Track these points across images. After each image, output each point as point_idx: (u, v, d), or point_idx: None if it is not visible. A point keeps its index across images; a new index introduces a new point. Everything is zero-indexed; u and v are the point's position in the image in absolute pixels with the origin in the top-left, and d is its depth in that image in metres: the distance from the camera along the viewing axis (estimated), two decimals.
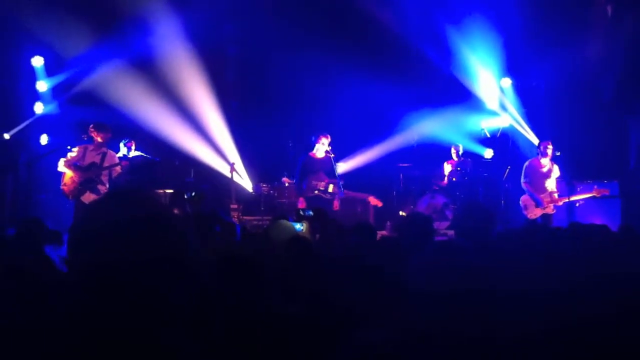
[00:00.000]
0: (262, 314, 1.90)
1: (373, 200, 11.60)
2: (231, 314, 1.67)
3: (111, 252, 1.54)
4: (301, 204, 10.30)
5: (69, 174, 9.62)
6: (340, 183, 10.55)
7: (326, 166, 10.60)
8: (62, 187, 9.66)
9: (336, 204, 10.38)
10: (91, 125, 9.80)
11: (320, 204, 9.36)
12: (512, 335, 2.13)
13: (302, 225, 5.08)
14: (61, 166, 9.67)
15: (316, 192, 10.45)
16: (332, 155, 10.61)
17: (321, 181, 10.50)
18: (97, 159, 9.70)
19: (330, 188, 10.42)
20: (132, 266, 1.53)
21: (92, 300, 1.53)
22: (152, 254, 1.56)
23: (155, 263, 1.55)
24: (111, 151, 9.96)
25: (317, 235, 5.05)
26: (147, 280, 1.54)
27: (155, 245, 1.56)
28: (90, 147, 9.77)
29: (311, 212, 5.55)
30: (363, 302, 2.26)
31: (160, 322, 1.52)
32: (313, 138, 10.76)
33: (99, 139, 9.72)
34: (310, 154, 10.66)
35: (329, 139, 10.65)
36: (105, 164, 9.71)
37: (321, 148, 10.60)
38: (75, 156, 9.69)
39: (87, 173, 9.55)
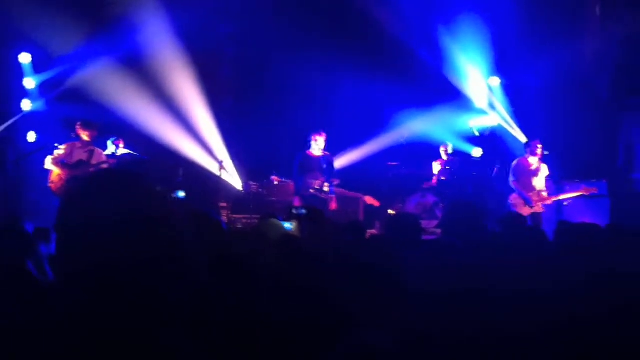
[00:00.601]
0: (256, 313, 1.88)
1: (369, 200, 11.56)
2: (226, 313, 1.65)
3: (105, 250, 1.51)
4: (297, 202, 10.28)
5: (56, 171, 9.58)
6: (334, 183, 10.53)
7: (322, 165, 10.60)
8: (49, 185, 9.62)
9: (333, 205, 10.34)
10: (78, 123, 9.77)
11: (315, 204, 9.36)
12: (504, 333, 2.13)
13: (292, 224, 5.06)
14: (48, 164, 9.63)
15: (312, 190, 10.44)
16: (324, 154, 10.61)
17: (316, 180, 10.49)
18: (84, 157, 9.67)
19: (326, 187, 10.41)
20: (127, 265, 1.50)
21: (83, 300, 1.51)
22: (149, 252, 1.54)
23: (153, 261, 1.53)
24: (98, 149, 9.93)
25: (307, 234, 5.03)
26: (144, 279, 1.52)
27: (151, 242, 1.54)
28: (78, 145, 9.74)
29: (304, 211, 5.53)
30: (355, 301, 2.25)
31: (158, 322, 1.50)
32: (310, 137, 10.78)
33: (86, 137, 9.70)
34: (307, 152, 10.67)
35: (324, 137, 10.64)
36: (93, 162, 9.67)
37: (316, 146, 10.60)
38: (63, 154, 9.65)
39: (75, 171, 9.51)
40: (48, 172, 9.70)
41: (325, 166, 10.45)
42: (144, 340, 1.46)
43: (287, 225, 5.02)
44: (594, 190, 10.28)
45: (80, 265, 1.54)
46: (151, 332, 1.48)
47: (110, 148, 10.59)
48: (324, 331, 1.97)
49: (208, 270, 2.17)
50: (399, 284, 2.23)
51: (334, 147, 11.81)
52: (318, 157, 10.49)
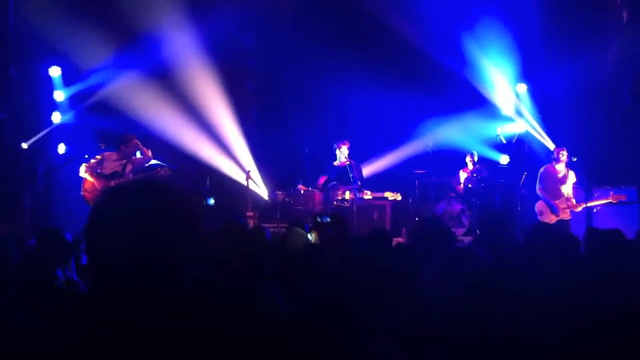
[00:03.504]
0: (267, 315, 1.91)
1: (391, 195, 11.33)
2: (237, 315, 1.68)
3: (131, 254, 1.55)
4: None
5: (90, 180, 9.71)
6: (358, 188, 10.59)
7: (343, 174, 10.66)
8: (82, 193, 9.74)
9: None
10: (120, 137, 9.97)
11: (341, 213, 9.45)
12: (525, 338, 2.13)
13: (312, 235, 5.07)
14: (82, 172, 9.76)
15: (335, 202, 10.53)
16: (348, 162, 10.67)
17: (337, 190, 10.58)
18: (119, 169, 9.81)
19: (347, 195, 10.46)
20: (153, 268, 1.55)
21: (105, 304, 1.55)
22: (174, 255, 1.58)
23: (169, 264, 1.57)
24: (135, 161, 10.07)
25: (329, 241, 5.06)
26: (157, 282, 1.56)
27: (176, 246, 1.58)
28: (114, 156, 9.89)
29: (328, 219, 5.54)
30: (372, 307, 2.27)
31: (165, 321, 1.53)
32: (334, 146, 10.89)
33: (124, 149, 9.87)
34: (334, 163, 10.84)
35: (348, 145, 10.74)
36: (127, 174, 9.81)
37: (341, 156, 10.70)
38: (96, 162, 9.78)
39: (109, 182, 9.62)
40: (79, 183, 9.84)
41: (351, 174, 10.54)
42: (149, 341, 1.50)
43: (308, 235, 5.03)
44: (623, 198, 10.16)
45: (107, 271, 1.58)
46: (156, 333, 1.51)
47: None
48: (332, 334, 1.99)
49: (225, 270, 2.21)
50: (418, 291, 2.24)
51: (360, 156, 11.85)
52: (340, 167, 10.59)
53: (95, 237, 1.62)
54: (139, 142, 10.08)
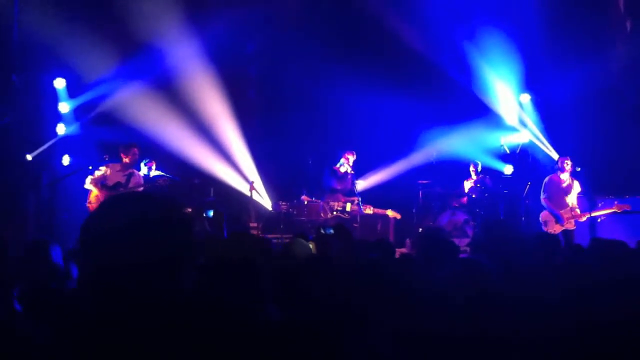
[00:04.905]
0: (267, 320, 1.91)
1: (391, 213, 11.51)
2: (239, 319, 1.69)
3: (121, 255, 1.56)
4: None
5: (94, 192, 9.74)
6: (355, 202, 10.62)
7: (346, 184, 10.66)
8: (87, 205, 9.79)
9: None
10: (121, 147, 9.98)
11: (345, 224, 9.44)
12: (526, 343, 2.12)
13: (311, 245, 5.09)
14: (88, 184, 9.81)
15: (334, 212, 10.51)
16: (352, 172, 10.68)
17: (338, 201, 10.57)
18: (122, 179, 9.85)
19: (348, 207, 10.46)
20: (139, 269, 1.56)
21: (98, 305, 1.56)
22: (161, 257, 1.59)
23: (163, 266, 1.58)
24: (137, 173, 10.10)
25: (335, 252, 5.06)
26: (153, 284, 1.57)
27: (166, 249, 1.59)
28: (117, 167, 9.93)
29: (332, 230, 5.56)
30: (372, 315, 2.26)
31: (163, 325, 1.54)
32: (340, 153, 10.92)
33: (127, 160, 9.89)
34: (335, 167, 10.79)
35: (354, 156, 10.75)
36: (130, 185, 9.84)
37: (345, 164, 10.71)
38: (102, 175, 9.83)
39: (112, 192, 9.64)
40: (83, 194, 9.88)
41: (350, 185, 10.57)
42: (147, 342, 1.50)
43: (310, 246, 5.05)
44: (627, 207, 10.13)
45: (105, 275, 1.60)
46: (156, 335, 1.52)
47: (143, 170, 10.74)
48: (333, 338, 1.99)
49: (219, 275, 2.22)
50: (416, 298, 2.23)
51: (363, 166, 11.86)
52: (343, 175, 10.59)
53: (90, 245, 1.63)
54: (137, 151, 10.09)
